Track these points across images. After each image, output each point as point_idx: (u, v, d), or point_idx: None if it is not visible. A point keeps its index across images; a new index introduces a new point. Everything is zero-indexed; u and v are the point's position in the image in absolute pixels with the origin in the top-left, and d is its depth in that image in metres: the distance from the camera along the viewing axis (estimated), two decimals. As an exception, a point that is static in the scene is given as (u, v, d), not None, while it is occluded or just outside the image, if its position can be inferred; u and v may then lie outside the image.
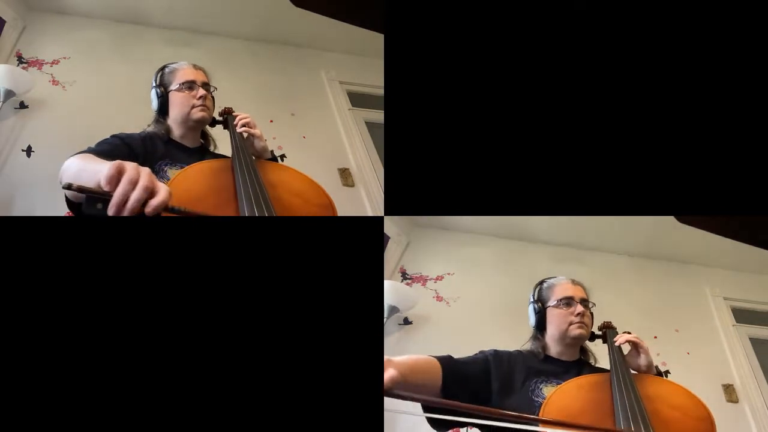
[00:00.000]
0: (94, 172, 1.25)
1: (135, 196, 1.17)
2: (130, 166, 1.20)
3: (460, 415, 1.42)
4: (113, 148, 1.66)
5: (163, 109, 1.82)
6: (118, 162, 1.20)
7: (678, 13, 1.65)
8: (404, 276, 3.16)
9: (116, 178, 1.18)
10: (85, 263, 1.12)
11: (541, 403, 1.62)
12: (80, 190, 1.20)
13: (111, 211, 1.17)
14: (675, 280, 3.29)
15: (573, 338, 1.79)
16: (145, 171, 1.20)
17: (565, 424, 1.47)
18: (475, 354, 1.77)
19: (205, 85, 1.82)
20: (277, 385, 1.13)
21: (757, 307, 3.26)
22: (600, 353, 1.86)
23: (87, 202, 1.20)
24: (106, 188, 1.18)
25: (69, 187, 1.20)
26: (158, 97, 1.82)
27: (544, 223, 3.14)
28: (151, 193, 1.19)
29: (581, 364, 1.80)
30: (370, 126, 3.24)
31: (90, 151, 1.61)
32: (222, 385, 1.12)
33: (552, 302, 1.82)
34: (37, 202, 2.67)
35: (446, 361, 1.67)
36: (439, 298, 3.12)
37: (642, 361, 1.74)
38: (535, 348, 1.81)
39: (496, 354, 1.76)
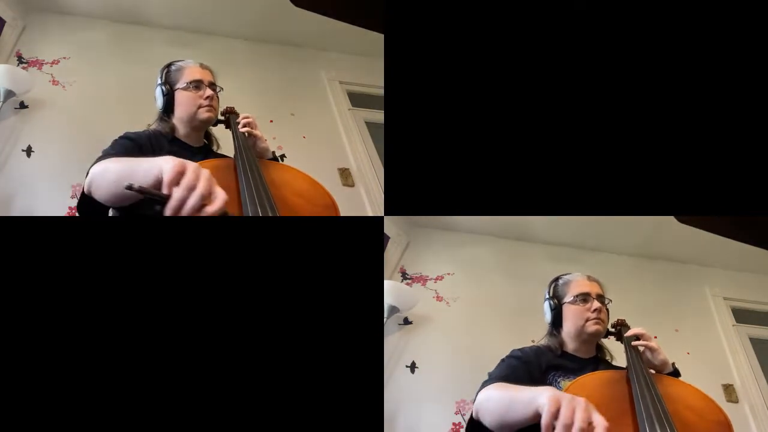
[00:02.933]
0: (145, 171, 1.24)
1: (192, 202, 1.17)
2: (190, 170, 1.19)
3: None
4: (127, 150, 1.64)
5: (168, 108, 1.80)
6: (179, 163, 1.20)
7: (678, 13, 1.65)
8: (404, 276, 3.16)
9: (176, 180, 1.18)
10: (86, 263, 1.12)
11: None
12: (141, 191, 1.18)
13: (167, 213, 1.17)
14: (675, 280, 3.29)
15: (590, 334, 1.78)
16: (205, 175, 1.20)
17: None
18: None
19: (212, 85, 1.81)
20: (277, 384, 1.13)
21: (757, 307, 3.25)
22: (614, 350, 1.86)
23: (146, 203, 1.19)
24: (165, 191, 1.17)
25: (130, 188, 1.18)
26: (164, 95, 1.80)
27: (544, 223, 3.14)
28: (208, 199, 1.18)
29: (597, 361, 1.80)
30: (370, 126, 3.24)
31: (106, 154, 1.59)
32: (222, 384, 1.12)
33: (568, 298, 1.81)
34: (37, 202, 2.67)
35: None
36: (439, 298, 3.12)
37: (654, 360, 1.73)
38: (552, 344, 1.80)
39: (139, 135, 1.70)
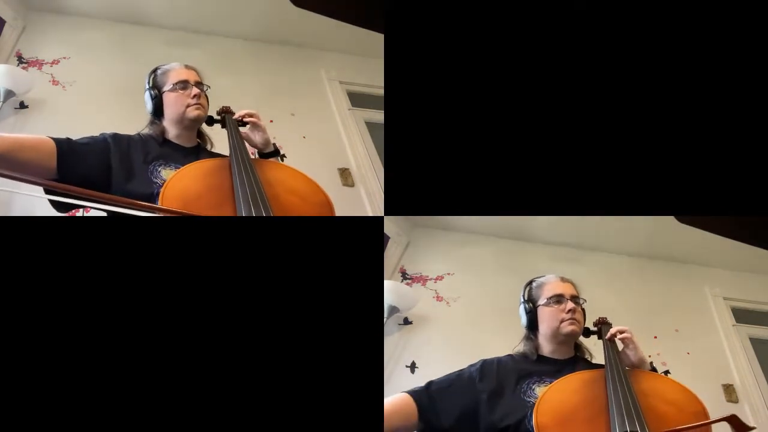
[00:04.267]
0: None
1: None
2: None
3: (77, 198, 1.47)
4: (90, 141, 1.72)
5: (157, 111, 1.84)
6: None
7: (678, 14, 1.65)
8: (404, 276, 3.16)
9: None
10: (85, 263, 1.12)
11: (533, 403, 1.63)
12: None
13: None
14: (675, 280, 3.28)
15: (565, 335, 1.79)
16: None
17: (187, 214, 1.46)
18: (95, 136, 1.75)
19: (198, 84, 1.84)
20: (277, 384, 1.13)
21: (757, 307, 3.25)
22: (595, 349, 1.86)
23: None
24: None
25: None
26: (152, 99, 1.84)
27: (544, 223, 3.13)
28: None
29: (576, 361, 1.81)
30: (370, 126, 3.24)
31: (70, 142, 1.68)
32: (223, 385, 1.12)
33: (542, 301, 1.83)
34: (37, 202, 2.66)
35: (62, 141, 1.68)
36: (439, 298, 3.12)
37: (632, 356, 1.74)
38: (528, 349, 1.82)
39: (116, 135, 1.76)
